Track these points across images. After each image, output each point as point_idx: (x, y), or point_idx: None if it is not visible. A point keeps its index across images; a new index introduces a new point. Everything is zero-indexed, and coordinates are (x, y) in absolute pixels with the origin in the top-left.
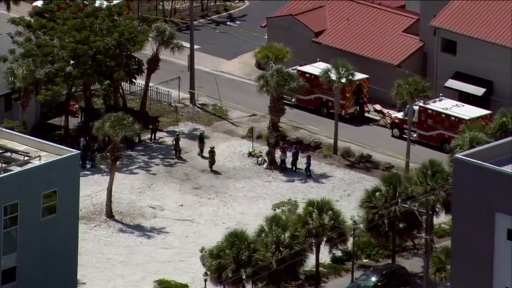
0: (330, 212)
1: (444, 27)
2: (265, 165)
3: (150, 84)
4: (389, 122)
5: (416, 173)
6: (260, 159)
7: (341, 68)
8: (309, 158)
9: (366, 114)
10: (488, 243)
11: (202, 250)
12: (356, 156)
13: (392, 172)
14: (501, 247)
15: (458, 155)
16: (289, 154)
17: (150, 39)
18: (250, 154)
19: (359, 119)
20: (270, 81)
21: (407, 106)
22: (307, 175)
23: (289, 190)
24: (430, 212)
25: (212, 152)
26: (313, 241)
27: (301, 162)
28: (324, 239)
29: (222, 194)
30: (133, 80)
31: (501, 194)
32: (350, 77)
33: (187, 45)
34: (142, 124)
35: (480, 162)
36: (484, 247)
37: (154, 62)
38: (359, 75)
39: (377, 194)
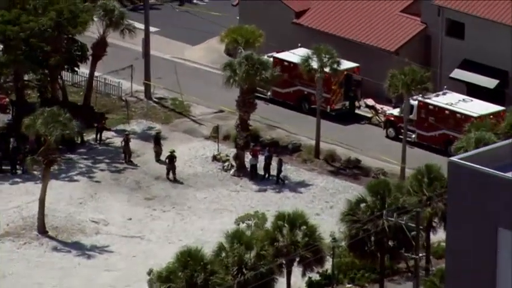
0: (304, 227)
1: (450, 6)
2: (232, 171)
3: (97, 74)
4: (382, 120)
5: (410, 180)
6: (226, 164)
7: (323, 55)
8: (280, 163)
9: (356, 111)
10: (490, 265)
11: (150, 273)
12: (342, 160)
13: (380, 179)
14: (506, 271)
15: (454, 158)
16: (261, 158)
17: (96, 19)
18: (214, 158)
19: (348, 117)
20: (238, 70)
21: (404, 101)
22: (279, 183)
23: (260, 201)
24: (422, 227)
25: (172, 156)
26: (284, 262)
27: (275, 168)
28: (297, 259)
29: (179, 206)
30: (76, 68)
31: (506, 206)
32: (335, 66)
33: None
34: (85, 122)
35: (481, 167)
36: (485, 270)
37: (100, 47)
38: (347, 64)
39: (362, 205)
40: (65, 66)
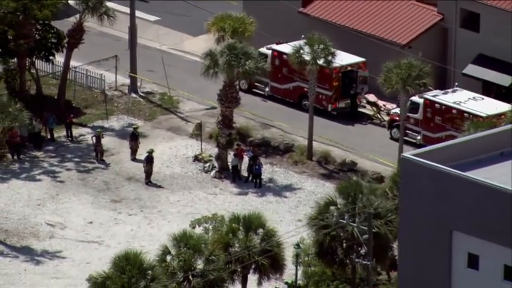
0: (261, 230)
1: None
2: (213, 172)
3: (77, 64)
4: (385, 118)
5: (388, 182)
6: (208, 164)
7: (316, 46)
8: (257, 161)
9: (362, 110)
10: (444, 271)
11: (90, 279)
12: (336, 163)
13: (352, 180)
14: (460, 277)
15: (408, 154)
16: (246, 159)
17: (72, 2)
18: (196, 158)
19: (352, 116)
20: (220, 60)
21: (410, 99)
22: (255, 183)
23: (238, 205)
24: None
25: (150, 158)
26: (239, 269)
27: (263, 170)
28: (253, 266)
29: (148, 209)
30: (51, 57)
31: (462, 207)
32: (330, 58)
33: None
34: (58, 116)
35: (436, 164)
36: (439, 277)
37: (76, 34)
38: (353, 58)
39: (331, 208)
40: (40, 55)
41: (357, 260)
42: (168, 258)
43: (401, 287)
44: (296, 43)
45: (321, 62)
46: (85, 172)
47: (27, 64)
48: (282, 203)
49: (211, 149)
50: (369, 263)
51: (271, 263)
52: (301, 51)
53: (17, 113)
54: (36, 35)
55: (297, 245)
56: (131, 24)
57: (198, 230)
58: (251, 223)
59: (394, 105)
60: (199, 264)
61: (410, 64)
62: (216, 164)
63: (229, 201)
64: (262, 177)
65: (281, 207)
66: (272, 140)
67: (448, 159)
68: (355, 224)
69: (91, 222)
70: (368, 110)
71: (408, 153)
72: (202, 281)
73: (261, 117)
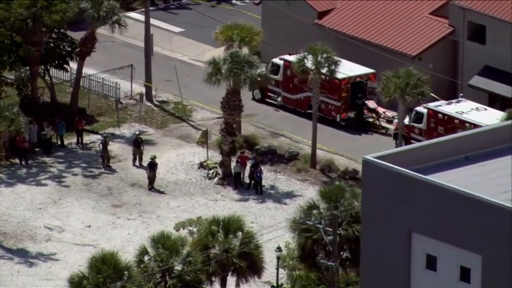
0: (240, 234)
1: (471, 7)
2: (216, 179)
3: (91, 72)
4: (384, 125)
5: None
6: (212, 171)
7: (320, 55)
8: (257, 167)
9: (371, 120)
10: (403, 272)
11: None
12: (338, 171)
13: (335, 185)
14: (419, 278)
15: (369, 157)
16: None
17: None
18: (201, 165)
19: (361, 126)
20: (223, 68)
21: (414, 109)
22: (256, 190)
23: (237, 211)
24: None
25: (153, 164)
26: (218, 271)
27: (266, 178)
28: (231, 268)
29: (147, 214)
30: (65, 65)
31: (420, 208)
32: (332, 67)
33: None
34: (68, 123)
35: (395, 166)
36: (399, 277)
37: (89, 43)
38: (362, 69)
39: (314, 212)
40: (54, 63)
41: (322, 261)
42: (146, 258)
43: (362, 287)
44: (302, 53)
45: (324, 70)
46: (90, 177)
47: (41, 71)
48: (281, 210)
49: (218, 157)
50: (333, 264)
51: (249, 265)
52: (306, 61)
53: (14, 117)
54: (51, 44)
55: (278, 248)
56: (146, 33)
57: (183, 233)
58: (230, 226)
59: (395, 113)
60: (177, 265)
61: (408, 73)
62: (219, 171)
63: (228, 208)
64: (265, 184)
65: (279, 214)
66: (279, 149)
67: (412, 162)
68: (321, 226)
69: (89, 226)
70: (369, 117)
71: (371, 155)
72: (178, 281)
73: (271, 127)
